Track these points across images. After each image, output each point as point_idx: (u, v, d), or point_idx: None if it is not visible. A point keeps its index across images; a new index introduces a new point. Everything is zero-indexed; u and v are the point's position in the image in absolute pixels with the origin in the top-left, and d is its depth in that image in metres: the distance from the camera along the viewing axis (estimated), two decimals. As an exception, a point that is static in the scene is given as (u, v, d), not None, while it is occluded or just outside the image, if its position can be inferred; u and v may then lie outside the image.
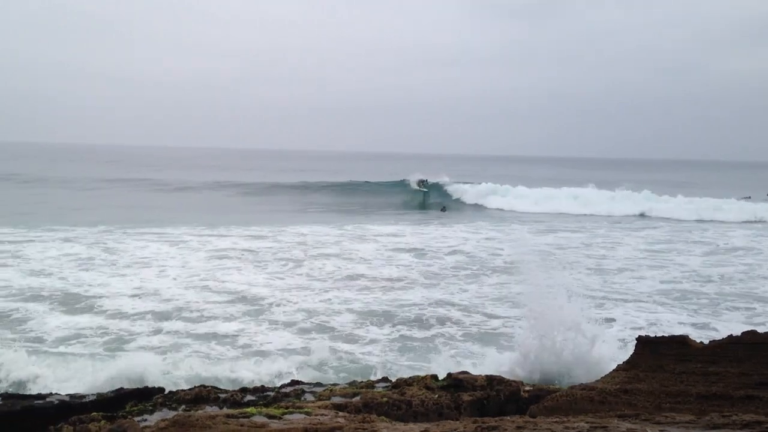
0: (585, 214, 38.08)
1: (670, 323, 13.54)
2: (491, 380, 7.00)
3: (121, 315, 13.48)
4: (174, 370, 10.10)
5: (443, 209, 40.84)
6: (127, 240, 23.01)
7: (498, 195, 43.88)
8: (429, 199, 44.31)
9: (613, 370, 6.46)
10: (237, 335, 12.35)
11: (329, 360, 10.98)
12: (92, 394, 7.36)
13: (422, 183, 46.24)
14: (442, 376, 7.18)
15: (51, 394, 7.33)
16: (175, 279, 16.96)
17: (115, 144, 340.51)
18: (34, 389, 9.05)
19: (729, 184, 70.91)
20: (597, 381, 6.39)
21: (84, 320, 12.98)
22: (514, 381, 7.07)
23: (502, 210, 40.29)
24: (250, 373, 10.06)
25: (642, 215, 38.12)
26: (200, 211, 36.46)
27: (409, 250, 22.56)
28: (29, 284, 15.75)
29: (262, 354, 11.31)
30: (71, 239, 22.69)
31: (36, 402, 6.98)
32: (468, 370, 7.37)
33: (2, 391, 8.11)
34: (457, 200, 43.96)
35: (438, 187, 46.40)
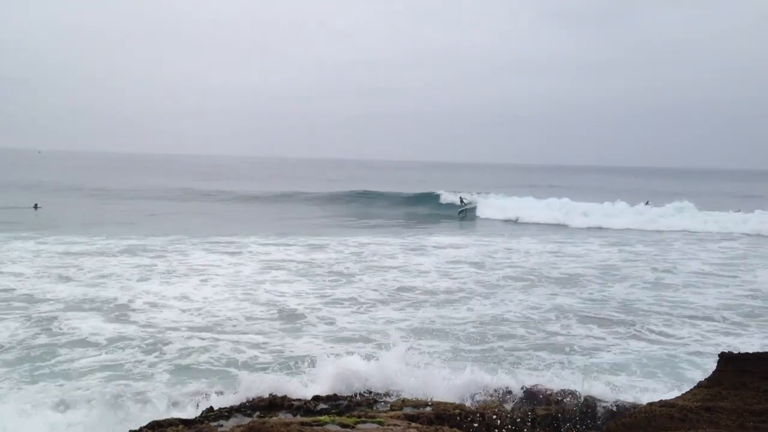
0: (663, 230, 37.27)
1: (741, 341, 13.24)
2: (566, 394, 7.04)
3: (160, 325, 13.65)
4: (207, 377, 10.22)
5: (516, 220, 41.30)
6: (192, 250, 23.75)
7: (574, 210, 42.64)
8: (470, 214, 44.63)
9: (695, 386, 6.43)
10: (280, 346, 12.50)
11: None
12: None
13: (462, 201, 47.08)
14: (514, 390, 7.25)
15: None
16: (223, 289, 17.28)
17: (191, 153, 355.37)
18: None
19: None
20: (677, 398, 6.38)
21: (121, 329, 13.27)
22: (590, 395, 7.09)
23: (581, 228, 39.22)
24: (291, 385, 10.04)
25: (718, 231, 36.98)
26: (272, 221, 38.02)
27: (471, 263, 22.62)
28: (79, 293, 16.26)
29: (303, 361, 11.42)
30: (137, 249, 23.53)
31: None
32: (541, 383, 7.43)
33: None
34: (533, 213, 43.05)
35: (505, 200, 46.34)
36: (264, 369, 10.93)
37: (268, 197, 55.08)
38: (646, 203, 46.62)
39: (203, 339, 12.72)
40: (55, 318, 13.90)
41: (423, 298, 17.03)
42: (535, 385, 7.35)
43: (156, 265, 20.40)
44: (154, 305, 15.36)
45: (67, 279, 18.10)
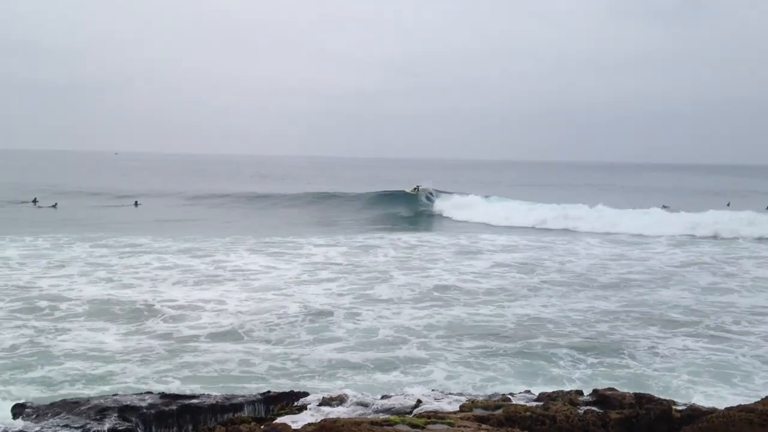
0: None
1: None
2: (640, 398, 7.07)
3: (184, 329, 14.11)
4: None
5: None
6: (243, 251, 24.46)
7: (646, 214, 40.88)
8: (419, 203, 46.22)
9: (776, 391, 6.38)
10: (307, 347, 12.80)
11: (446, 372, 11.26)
12: (243, 396, 8.01)
13: (416, 189, 48.41)
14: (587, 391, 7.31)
15: (205, 394, 8.04)
16: (267, 291, 17.70)
17: (265, 154, 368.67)
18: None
19: None
20: (758, 402, 6.36)
21: (160, 330, 13.76)
22: (665, 399, 7.11)
23: (641, 235, 37.98)
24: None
25: None
26: (337, 222, 40.19)
27: (520, 264, 22.62)
28: (109, 295, 16.83)
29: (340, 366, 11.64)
30: (193, 249, 24.28)
31: (192, 401, 7.71)
32: (616, 387, 7.46)
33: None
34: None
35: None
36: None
37: (338, 196, 55.86)
38: (728, 205, 45.27)
39: (248, 339, 13.14)
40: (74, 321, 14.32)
41: (472, 299, 17.18)
42: (608, 388, 7.39)
43: (199, 268, 20.93)
44: (189, 306, 15.79)
45: (109, 279, 18.75)
